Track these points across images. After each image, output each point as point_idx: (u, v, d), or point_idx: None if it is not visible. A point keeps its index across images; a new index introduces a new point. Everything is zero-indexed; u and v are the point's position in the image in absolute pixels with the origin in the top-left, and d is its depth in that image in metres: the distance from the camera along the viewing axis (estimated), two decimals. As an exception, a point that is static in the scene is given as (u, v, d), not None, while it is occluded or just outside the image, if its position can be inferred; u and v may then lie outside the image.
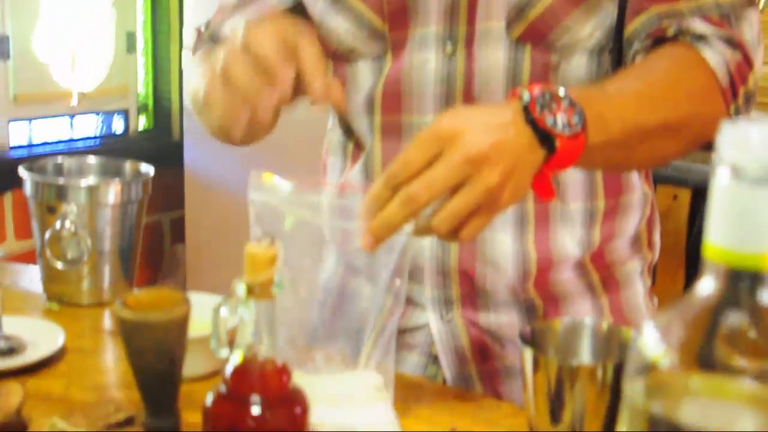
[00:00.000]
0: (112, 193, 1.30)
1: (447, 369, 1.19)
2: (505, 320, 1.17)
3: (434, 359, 1.20)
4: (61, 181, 1.32)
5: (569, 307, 1.18)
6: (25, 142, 2.95)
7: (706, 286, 0.49)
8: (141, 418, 0.91)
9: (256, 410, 0.83)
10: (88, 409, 1.00)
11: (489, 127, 0.84)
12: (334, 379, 0.97)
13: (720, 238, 0.48)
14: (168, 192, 3.12)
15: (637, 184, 1.21)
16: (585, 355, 0.87)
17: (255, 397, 0.83)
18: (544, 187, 0.90)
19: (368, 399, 0.95)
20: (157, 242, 3.22)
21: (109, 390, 1.08)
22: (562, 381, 0.81)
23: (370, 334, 0.99)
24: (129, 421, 0.98)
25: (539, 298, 1.17)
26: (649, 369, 0.49)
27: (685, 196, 2.27)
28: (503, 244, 1.14)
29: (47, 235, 1.28)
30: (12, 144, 2.89)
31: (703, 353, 0.48)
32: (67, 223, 1.27)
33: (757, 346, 0.47)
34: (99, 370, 1.14)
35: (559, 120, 0.87)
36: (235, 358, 0.85)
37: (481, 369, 1.19)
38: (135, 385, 0.83)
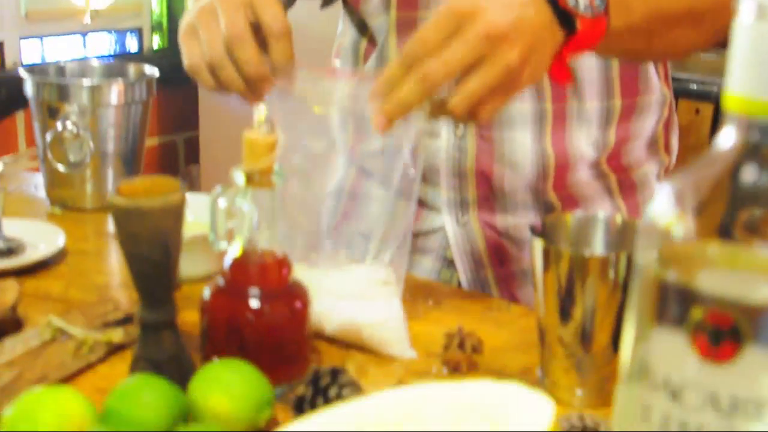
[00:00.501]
0: (115, 93, 1.26)
1: (463, 273, 1.16)
2: (523, 222, 1.14)
3: (449, 263, 1.17)
4: (62, 81, 1.28)
5: (587, 208, 1.15)
6: (37, 60, 2.91)
7: (725, 141, 0.45)
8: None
9: (254, 303, 0.80)
10: (86, 308, 0.98)
11: (508, 5, 0.80)
12: (342, 273, 0.94)
13: (741, 86, 0.43)
14: (182, 112, 3.08)
15: (655, 85, 1.16)
16: (598, 249, 0.83)
17: (254, 290, 0.80)
18: (562, 71, 0.86)
19: (375, 293, 0.92)
20: (172, 163, 3.19)
21: (109, 291, 1.05)
22: (573, 275, 0.77)
23: (379, 236, 0.96)
24: (128, 320, 0.96)
25: (557, 199, 1.14)
26: (661, 236, 0.45)
27: (707, 110, 2.21)
28: (522, 144, 1.10)
29: (48, 137, 1.25)
30: (24, 62, 2.85)
31: (722, 216, 0.44)
32: (69, 125, 1.24)
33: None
34: (100, 272, 1.12)
35: (581, 1, 0.82)
36: (234, 251, 0.82)
37: (497, 273, 1.16)
38: (130, 278, 0.80)
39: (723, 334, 0.42)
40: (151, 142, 3.07)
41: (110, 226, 1.26)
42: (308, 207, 0.96)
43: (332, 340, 0.91)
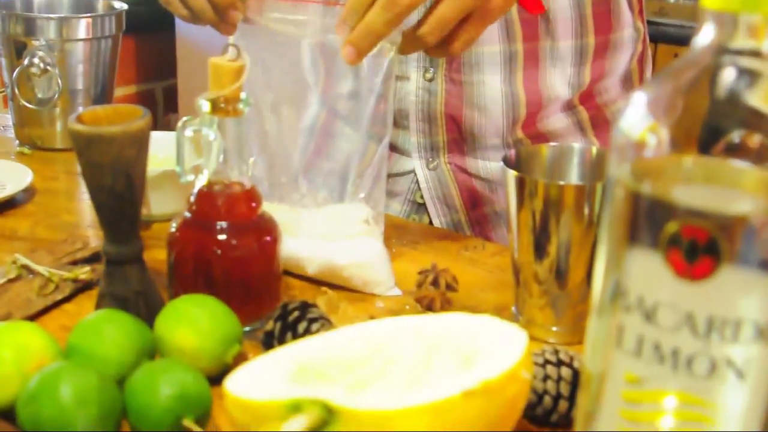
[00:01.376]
0: (83, 26, 1.22)
1: (436, 217, 1.14)
2: (494, 164, 1.12)
3: (418, 207, 1.15)
4: (29, 15, 1.24)
5: None
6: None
7: (701, 41, 0.43)
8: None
9: (221, 236, 0.78)
10: (54, 247, 0.95)
11: None
12: (322, 213, 0.92)
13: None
14: (160, 60, 3.02)
15: (628, 20, 1.14)
16: (573, 180, 0.81)
17: (221, 223, 0.78)
18: (533, 1, 0.83)
19: (356, 232, 0.89)
20: (151, 111, 3.14)
21: (78, 230, 1.03)
22: (548, 207, 0.75)
23: (353, 175, 0.94)
24: (96, 258, 0.93)
25: (527, 138, 1.11)
26: (635, 149, 0.43)
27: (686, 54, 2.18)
28: (492, 87, 1.08)
29: (15, 73, 1.22)
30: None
31: (699, 126, 0.42)
32: (36, 60, 1.20)
33: (758, 114, 0.41)
34: (69, 211, 1.09)
35: None
36: (201, 182, 0.79)
37: (470, 216, 1.14)
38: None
39: (699, 249, 0.40)
40: (129, 90, 3.03)
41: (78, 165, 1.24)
42: (282, 144, 0.94)
43: (307, 278, 0.89)
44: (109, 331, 0.69)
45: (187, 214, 0.79)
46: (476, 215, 1.14)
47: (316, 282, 0.88)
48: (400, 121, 1.12)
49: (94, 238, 0.99)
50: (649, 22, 1.32)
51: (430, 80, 1.09)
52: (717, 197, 0.41)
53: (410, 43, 0.82)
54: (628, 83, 1.17)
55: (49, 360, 0.66)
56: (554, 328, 0.79)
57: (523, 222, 0.77)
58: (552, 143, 0.88)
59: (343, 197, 0.93)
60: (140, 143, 0.74)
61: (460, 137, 1.11)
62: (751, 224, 0.40)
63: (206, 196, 0.78)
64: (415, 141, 1.13)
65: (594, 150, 0.81)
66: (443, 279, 0.84)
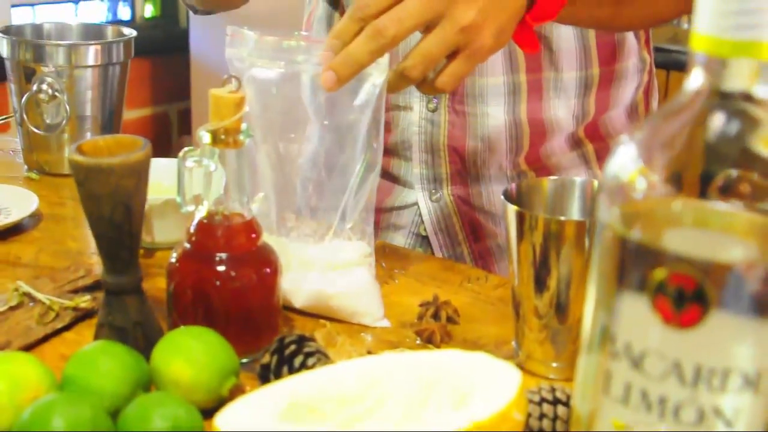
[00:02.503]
0: (92, 53, 1.23)
1: (438, 250, 1.14)
2: (497, 197, 1.11)
3: (422, 240, 1.15)
4: (38, 41, 1.25)
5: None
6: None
7: (692, 84, 0.42)
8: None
9: (220, 267, 0.78)
10: (56, 274, 0.96)
11: None
12: (312, 245, 0.91)
13: (707, 26, 0.40)
14: (175, 82, 3.04)
15: (633, 49, 1.13)
16: (574, 215, 0.81)
17: (221, 254, 0.78)
18: (528, 39, 0.83)
19: (346, 264, 0.89)
20: (164, 135, 3.15)
21: (82, 257, 1.03)
22: (548, 242, 0.74)
23: (345, 204, 0.93)
24: (97, 286, 0.93)
25: (531, 170, 1.11)
26: (624, 192, 0.43)
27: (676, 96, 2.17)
28: (495, 118, 1.08)
29: (24, 99, 1.22)
30: (14, 29, 2.81)
31: (688, 170, 0.41)
32: (45, 86, 1.21)
33: (749, 157, 0.40)
34: (74, 238, 1.09)
35: None
36: (201, 213, 0.79)
37: (473, 249, 1.14)
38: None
39: (687, 297, 0.40)
40: (143, 112, 3.04)
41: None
42: (278, 179, 0.94)
43: (305, 312, 0.89)
44: (104, 363, 0.69)
45: (187, 245, 0.79)
46: (479, 248, 1.14)
47: (316, 315, 0.88)
48: (402, 152, 1.12)
49: (97, 265, 0.98)
50: (662, 50, 1.32)
51: (433, 111, 1.09)
52: (706, 242, 0.41)
53: (397, 78, 0.82)
54: (634, 115, 1.17)
55: (44, 391, 0.66)
56: (554, 364, 0.78)
57: (524, 256, 0.77)
58: (553, 177, 0.88)
59: (333, 229, 0.93)
60: (139, 174, 0.74)
61: (463, 169, 1.11)
62: (738, 271, 0.39)
63: (206, 227, 0.78)
64: (418, 172, 1.12)
65: (596, 183, 0.81)
66: (444, 311, 0.84)
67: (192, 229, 0.79)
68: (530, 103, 1.07)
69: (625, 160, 0.43)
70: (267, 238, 0.83)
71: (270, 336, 0.79)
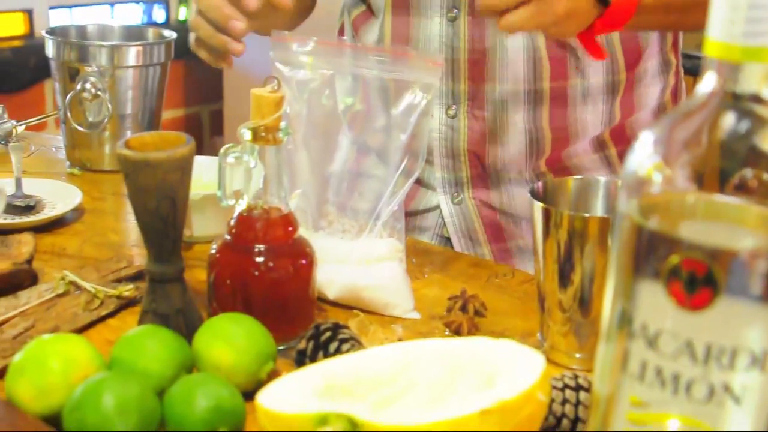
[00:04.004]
0: (134, 54, 1.27)
1: (460, 251, 1.17)
2: (519, 199, 1.14)
3: (446, 241, 1.18)
4: (83, 42, 1.30)
5: None
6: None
7: (705, 86, 0.46)
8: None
9: (259, 259, 0.82)
10: (100, 264, 1.00)
11: None
12: (345, 241, 0.95)
13: (720, 32, 0.44)
14: (207, 85, 3.09)
15: (654, 51, 1.16)
16: (598, 213, 0.84)
17: (259, 246, 0.82)
18: (595, 46, 0.89)
19: (377, 258, 0.93)
20: (196, 135, 3.21)
21: (123, 248, 1.07)
22: (573, 238, 0.78)
23: (381, 206, 0.97)
24: (140, 276, 0.98)
25: (550, 172, 1.14)
26: (642, 185, 0.46)
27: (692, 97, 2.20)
28: (514, 125, 1.11)
29: (68, 98, 1.27)
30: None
31: (701, 165, 0.45)
32: (88, 85, 1.25)
33: (758, 155, 0.44)
34: (116, 231, 1.13)
35: None
36: (241, 207, 0.83)
37: (495, 250, 1.17)
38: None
39: (698, 281, 0.43)
40: (177, 113, 3.10)
41: (125, 187, 1.28)
42: (315, 178, 0.98)
43: (338, 304, 0.92)
44: (150, 346, 0.73)
45: (227, 237, 0.83)
46: (500, 249, 1.17)
47: (348, 306, 0.92)
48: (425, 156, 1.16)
49: (138, 257, 1.03)
50: (690, 56, 1.34)
51: (453, 117, 1.12)
52: (716, 231, 0.44)
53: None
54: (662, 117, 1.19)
55: (94, 371, 0.70)
56: (577, 355, 0.82)
57: (549, 252, 0.80)
58: (578, 176, 0.91)
59: (368, 227, 0.96)
60: (184, 168, 0.78)
61: (483, 172, 1.14)
62: (746, 258, 0.42)
63: (245, 220, 0.82)
64: (439, 176, 1.16)
65: (619, 182, 0.84)
66: (472, 305, 0.87)
67: (232, 222, 0.83)
68: (553, 110, 1.10)
69: (643, 157, 0.46)
70: (304, 232, 0.87)
71: (304, 325, 0.83)
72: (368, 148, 1.18)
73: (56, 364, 0.70)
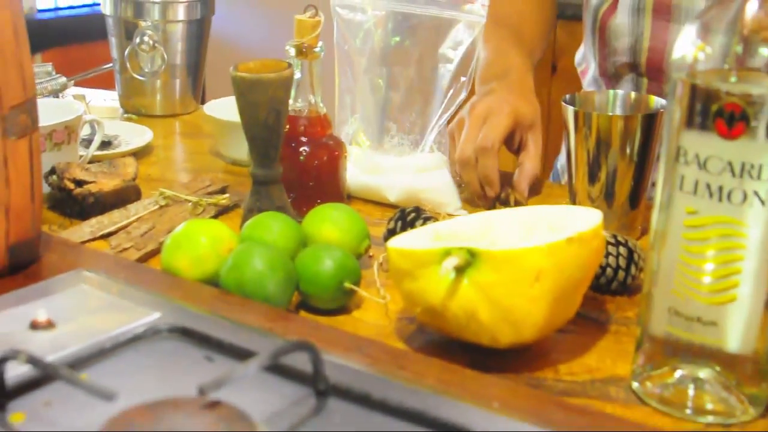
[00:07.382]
0: (182, 9, 1.45)
1: None
2: None
3: None
4: None
5: None
6: (51, 6, 3.06)
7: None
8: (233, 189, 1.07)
9: (304, 148, 1.02)
10: (187, 185, 1.17)
11: None
12: (408, 155, 1.14)
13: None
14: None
15: None
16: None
17: (303, 138, 1.02)
18: None
19: (429, 167, 1.12)
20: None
21: (199, 173, 1.24)
22: (599, 136, 0.97)
23: (432, 128, 1.15)
24: (223, 191, 1.15)
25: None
26: (689, 63, 0.65)
27: None
28: None
29: (128, 50, 1.43)
30: (39, 7, 2.99)
31: (734, 45, 0.64)
32: (146, 38, 1.42)
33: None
34: (188, 160, 1.30)
35: None
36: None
37: None
38: (246, 141, 0.99)
39: (736, 118, 0.62)
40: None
41: (178, 128, 1.46)
42: (377, 102, 1.17)
43: (386, 207, 1.12)
44: (275, 224, 0.90)
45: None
46: None
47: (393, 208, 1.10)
48: None
49: (215, 179, 1.20)
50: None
51: None
52: (745, 85, 0.64)
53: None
54: None
55: (235, 245, 0.88)
56: (603, 232, 1.02)
57: (579, 150, 0.99)
58: (601, 90, 1.12)
59: (423, 143, 1.15)
60: (286, 87, 0.96)
61: None
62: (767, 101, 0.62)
63: (293, 119, 1.03)
64: None
65: (632, 95, 1.04)
66: (513, 197, 1.07)
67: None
68: None
69: (688, 40, 0.65)
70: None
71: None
72: (418, 79, 1.36)
73: (205, 239, 0.87)
